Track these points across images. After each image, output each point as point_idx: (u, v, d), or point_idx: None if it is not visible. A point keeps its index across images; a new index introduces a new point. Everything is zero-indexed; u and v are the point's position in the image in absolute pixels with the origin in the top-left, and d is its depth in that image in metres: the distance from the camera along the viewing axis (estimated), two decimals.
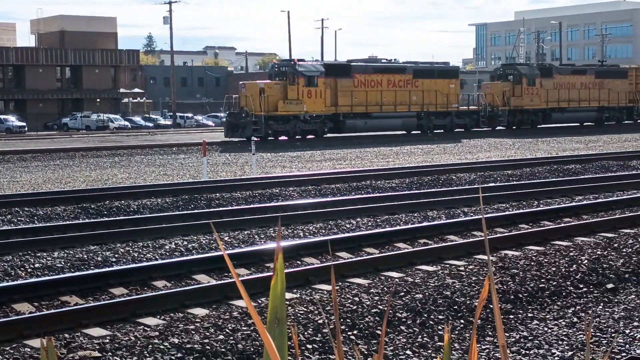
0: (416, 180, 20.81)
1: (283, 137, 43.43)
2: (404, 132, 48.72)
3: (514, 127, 53.33)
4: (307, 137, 44.36)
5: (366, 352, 6.95)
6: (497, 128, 52.78)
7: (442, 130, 49.31)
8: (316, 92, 43.74)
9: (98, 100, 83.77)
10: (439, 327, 7.67)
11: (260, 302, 8.36)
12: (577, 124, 57.42)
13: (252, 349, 6.78)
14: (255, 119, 41.57)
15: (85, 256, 11.07)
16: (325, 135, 44.87)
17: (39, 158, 33.69)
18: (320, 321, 7.45)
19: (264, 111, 41.75)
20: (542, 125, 54.95)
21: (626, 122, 59.88)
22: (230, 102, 45.28)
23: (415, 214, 15.09)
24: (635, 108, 60.61)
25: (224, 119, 47.36)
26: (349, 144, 40.02)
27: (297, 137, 43.70)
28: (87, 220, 14.50)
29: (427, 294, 8.54)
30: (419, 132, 48.84)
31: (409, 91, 47.85)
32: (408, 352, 7.01)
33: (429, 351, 7.05)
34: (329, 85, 44.41)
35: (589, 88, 57.17)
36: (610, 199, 16.88)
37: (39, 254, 11.18)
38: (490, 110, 51.90)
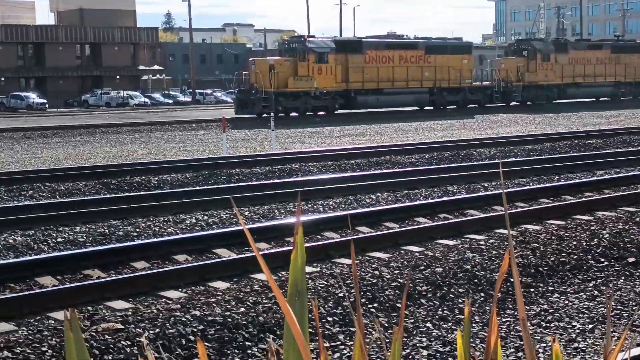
0: (436, 156, 20.76)
1: (294, 114, 43.20)
2: (417, 108, 48.41)
3: (529, 103, 52.86)
4: (318, 113, 44.07)
5: (386, 325, 6.97)
6: (512, 104, 52.36)
7: (455, 107, 48.94)
8: (327, 68, 43.40)
9: (117, 77, 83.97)
10: (459, 301, 7.68)
11: (280, 275, 8.40)
12: (593, 99, 56.80)
13: (273, 322, 6.83)
14: (265, 96, 41.34)
15: (107, 230, 11.15)
16: (336, 112, 44.57)
17: (60, 134, 33.89)
18: (341, 294, 7.47)
19: (273, 88, 41.50)
20: (558, 101, 54.43)
21: None
22: (240, 79, 45.08)
23: (435, 189, 15.07)
24: None
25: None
26: (367, 120, 39.91)
27: (307, 113, 43.41)
28: (108, 196, 14.59)
29: (447, 267, 8.54)
30: (432, 107, 48.51)
31: (421, 67, 47.43)
32: (428, 324, 7.03)
33: (449, 324, 7.07)
34: (339, 62, 44.04)
35: (604, 63, 56.48)
36: (632, 173, 16.76)
37: (60, 229, 11.27)
38: (504, 86, 51.42)
